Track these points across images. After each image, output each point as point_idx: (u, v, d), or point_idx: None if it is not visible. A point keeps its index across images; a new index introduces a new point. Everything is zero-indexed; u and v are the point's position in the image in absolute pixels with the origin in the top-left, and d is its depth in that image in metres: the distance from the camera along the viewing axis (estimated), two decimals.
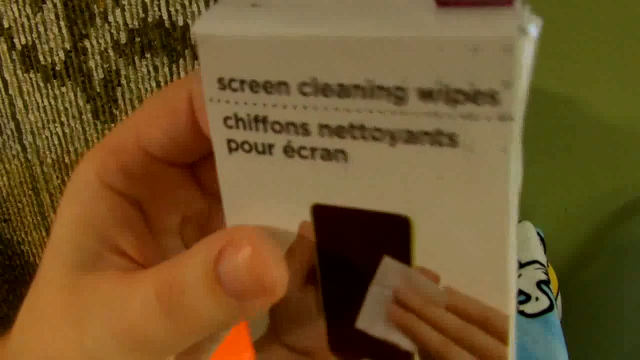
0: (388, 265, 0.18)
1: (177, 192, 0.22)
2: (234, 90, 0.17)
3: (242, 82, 0.17)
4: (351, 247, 0.19)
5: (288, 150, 0.18)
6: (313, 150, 0.17)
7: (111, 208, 0.21)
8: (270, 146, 0.18)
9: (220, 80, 0.17)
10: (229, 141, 0.18)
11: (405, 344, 0.19)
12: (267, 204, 0.19)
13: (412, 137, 0.16)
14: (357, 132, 0.16)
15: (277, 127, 0.17)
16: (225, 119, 0.18)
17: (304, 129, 0.17)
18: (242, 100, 0.17)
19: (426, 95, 0.15)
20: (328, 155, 0.17)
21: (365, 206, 0.18)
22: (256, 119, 0.17)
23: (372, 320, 0.19)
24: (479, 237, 0.17)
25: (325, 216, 0.18)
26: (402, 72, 0.15)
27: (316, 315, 0.20)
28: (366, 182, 0.17)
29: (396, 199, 0.17)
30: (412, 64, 0.15)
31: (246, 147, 0.18)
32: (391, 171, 0.17)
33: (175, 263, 0.18)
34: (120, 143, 0.22)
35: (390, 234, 0.18)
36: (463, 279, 0.17)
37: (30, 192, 1.22)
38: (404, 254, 0.18)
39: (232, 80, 0.17)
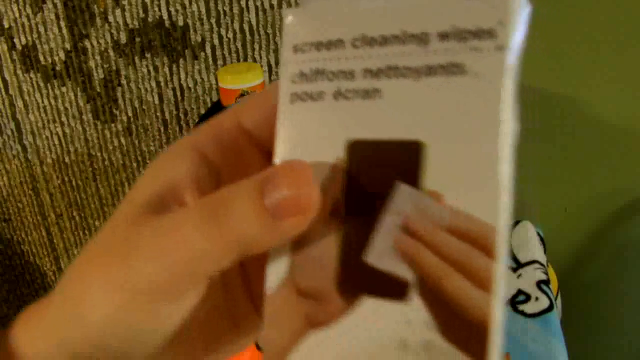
0: (401, 193, 0.20)
1: (253, 169, 0.23)
2: (303, 52, 0.23)
3: (311, 44, 0.23)
4: (372, 179, 0.21)
5: (336, 95, 0.22)
6: (356, 91, 0.22)
7: (190, 167, 0.23)
8: (323, 93, 0.22)
9: (294, 46, 0.23)
10: (292, 94, 0.23)
11: (405, 273, 0.20)
12: (313, 144, 0.22)
13: (431, 71, 0.20)
14: (391, 72, 0.21)
15: (330, 75, 0.22)
16: (293, 76, 0.23)
17: (351, 75, 0.22)
18: (307, 59, 0.23)
19: (443, 36, 0.20)
20: (367, 94, 0.21)
21: (394, 136, 0.21)
22: (316, 72, 0.23)
23: (381, 253, 0.20)
24: (476, 153, 0.19)
25: (355, 150, 0.21)
26: (427, 22, 0.21)
27: (331, 255, 0.21)
28: (395, 114, 0.21)
29: (418, 126, 0.20)
30: (434, 15, 0.21)
31: (304, 97, 0.23)
32: (415, 101, 0.20)
33: (221, 189, 0.21)
34: (219, 119, 0.25)
35: (404, 160, 0.20)
36: (463, 197, 0.19)
37: (30, 192, 1.22)
38: (415, 178, 0.20)
39: (303, 44, 0.23)
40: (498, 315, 0.18)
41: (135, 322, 0.21)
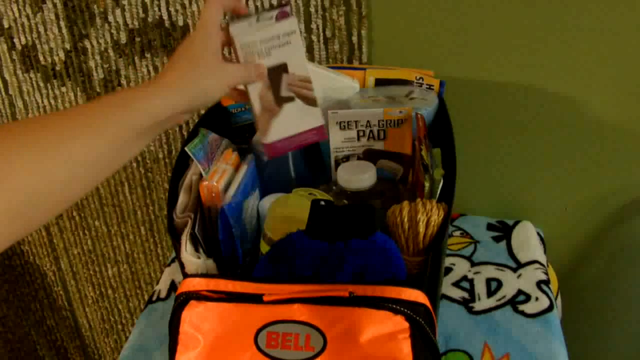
0: (284, 77, 0.63)
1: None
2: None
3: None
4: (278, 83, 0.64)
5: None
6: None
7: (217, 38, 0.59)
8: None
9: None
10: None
11: (290, 93, 0.64)
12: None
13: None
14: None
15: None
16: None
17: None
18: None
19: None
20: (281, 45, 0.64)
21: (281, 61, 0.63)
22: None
23: (284, 90, 0.63)
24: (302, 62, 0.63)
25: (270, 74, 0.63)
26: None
27: (271, 96, 0.63)
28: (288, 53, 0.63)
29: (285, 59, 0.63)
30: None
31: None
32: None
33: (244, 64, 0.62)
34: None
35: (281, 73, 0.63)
36: (300, 72, 0.63)
37: None
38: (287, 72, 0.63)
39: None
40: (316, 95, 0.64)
41: (211, 84, 0.56)
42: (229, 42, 0.60)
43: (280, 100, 0.63)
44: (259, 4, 0.92)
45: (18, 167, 0.41)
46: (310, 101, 0.64)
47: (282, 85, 0.63)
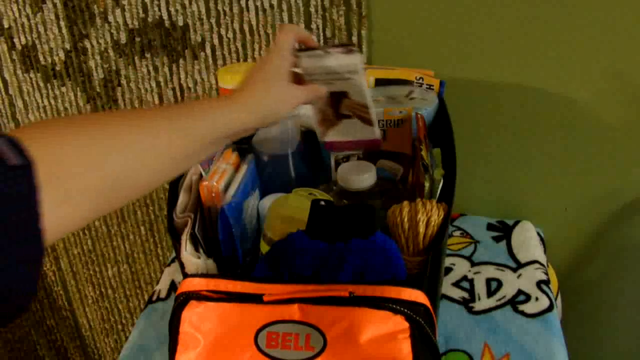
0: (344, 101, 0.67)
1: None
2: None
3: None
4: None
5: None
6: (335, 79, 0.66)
7: (287, 59, 0.62)
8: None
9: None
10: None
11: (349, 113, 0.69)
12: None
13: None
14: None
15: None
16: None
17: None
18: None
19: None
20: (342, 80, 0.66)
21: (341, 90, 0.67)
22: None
23: (343, 110, 0.68)
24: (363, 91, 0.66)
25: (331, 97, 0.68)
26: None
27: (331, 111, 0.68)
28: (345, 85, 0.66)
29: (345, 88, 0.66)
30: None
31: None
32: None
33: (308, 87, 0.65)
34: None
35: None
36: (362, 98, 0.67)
37: None
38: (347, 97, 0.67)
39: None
40: (374, 114, 0.67)
41: (278, 104, 0.61)
42: (296, 66, 0.65)
43: (340, 117, 0.69)
44: (259, 4, 0.92)
45: (111, 154, 0.47)
46: (368, 122, 0.68)
47: (341, 106, 0.67)
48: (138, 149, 0.49)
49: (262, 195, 0.74)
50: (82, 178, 0.45)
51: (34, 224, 0.40)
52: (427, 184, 0.64)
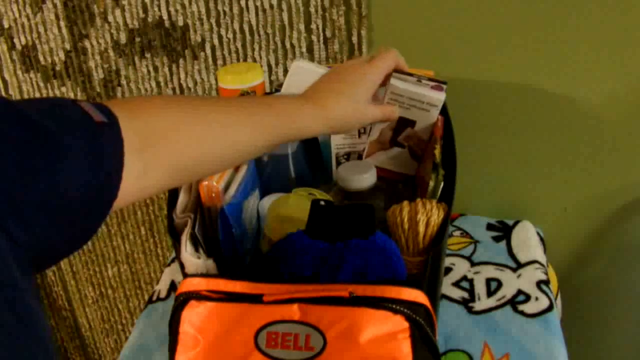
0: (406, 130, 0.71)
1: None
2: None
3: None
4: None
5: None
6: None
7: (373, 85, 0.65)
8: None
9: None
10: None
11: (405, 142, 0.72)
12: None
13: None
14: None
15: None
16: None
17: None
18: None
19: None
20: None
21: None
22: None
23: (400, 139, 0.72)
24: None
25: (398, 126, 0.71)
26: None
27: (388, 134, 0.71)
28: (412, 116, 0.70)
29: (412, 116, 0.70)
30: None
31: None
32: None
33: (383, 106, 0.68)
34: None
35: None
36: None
37: None
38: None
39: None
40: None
41: (353, 119, 0.63)
42: (384, 84, 0.67)
43: (394, 143, 0.71)
44: (259, 4, 0.92)
45: (191, 136, 0.51)
46: (416, 157, 0.71)
47: (402, 134, 0.70)
48: (221, 139, 0.53)
49: (262, 195, 0.74)
50: (163, 154, 0.49)
51: (118, 174, 0.44)
52: (431, 183, 0.64)
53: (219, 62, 0.99)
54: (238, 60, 0.98)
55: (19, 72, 1.09)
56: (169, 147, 0.50)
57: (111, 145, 0.45)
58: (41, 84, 1.09)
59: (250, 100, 0.60)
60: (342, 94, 0.61)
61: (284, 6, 0.91)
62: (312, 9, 0.90)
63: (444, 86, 0.67)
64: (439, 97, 0.67)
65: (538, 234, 0.95)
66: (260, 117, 0.56)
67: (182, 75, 1.02)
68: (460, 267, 0.86)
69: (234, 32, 0.96)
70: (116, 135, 0.45)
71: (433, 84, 0.67)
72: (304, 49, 0.94)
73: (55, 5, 1.01)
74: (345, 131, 0.65)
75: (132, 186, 0.47)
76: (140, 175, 0.48)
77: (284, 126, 0.58)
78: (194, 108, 0.53)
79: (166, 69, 1.02)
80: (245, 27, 0.95)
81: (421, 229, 0.59)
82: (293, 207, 0.64)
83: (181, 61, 1.01)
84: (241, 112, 0.56)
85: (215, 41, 0.97)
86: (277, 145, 0.60)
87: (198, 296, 0.53)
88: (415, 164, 0.71)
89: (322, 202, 0.56)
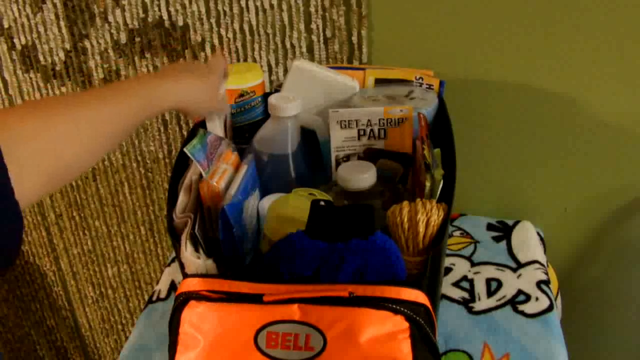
0: None
1: None
2: None
3: None
4: None
5: None
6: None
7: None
8: None
9: None
10: None
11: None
12: None
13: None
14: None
15: None
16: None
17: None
18: None
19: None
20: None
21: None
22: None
23: None
24: None
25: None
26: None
27: None
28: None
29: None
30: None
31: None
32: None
33: None
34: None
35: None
36: None
37: None
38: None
39: None
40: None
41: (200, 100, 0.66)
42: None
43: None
44: (259, 4, 0.92)
45: (60, 138, 0.50)
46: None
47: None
48: (86, 131, 0.52)
49: (262, 195, 0.74)
50: (33, 164, 0.48)
51: (11, 196, 0.44)
52: (428, 184, 0.64)
53: None
54: (238, 60, 0.98)
55: (19, 72, 1.09)
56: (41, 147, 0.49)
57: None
58: (41, 84, 1.09)
59: (110, 89, 0.59)
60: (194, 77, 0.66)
61: (284, 6, 0.91)
62: (312, 9, 0.90)
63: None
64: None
65: (538, 234, 0.95)
66: (125, 102, 0.57)
67: None
68: (461, 267, 0.86)
69: (234, 32, 0.96)
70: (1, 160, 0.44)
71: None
72: (304, 49, 0.94)
73: (55, 5, 1.01)
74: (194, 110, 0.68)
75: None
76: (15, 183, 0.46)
77: (149, 111, 0.59)
78: (53, 109, 0.52)
79: None
80: (245, 27, 0.95)
81: (421, 229, 0.59)
82: (293, 207, 0.64)
83: (181, 61, 1.01)
84: (103, 102, 0.56)
85: (215, 41, 0.97)
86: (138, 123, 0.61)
87: (198, 296, 0.53)
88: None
89: (322, 202, 0.56)
